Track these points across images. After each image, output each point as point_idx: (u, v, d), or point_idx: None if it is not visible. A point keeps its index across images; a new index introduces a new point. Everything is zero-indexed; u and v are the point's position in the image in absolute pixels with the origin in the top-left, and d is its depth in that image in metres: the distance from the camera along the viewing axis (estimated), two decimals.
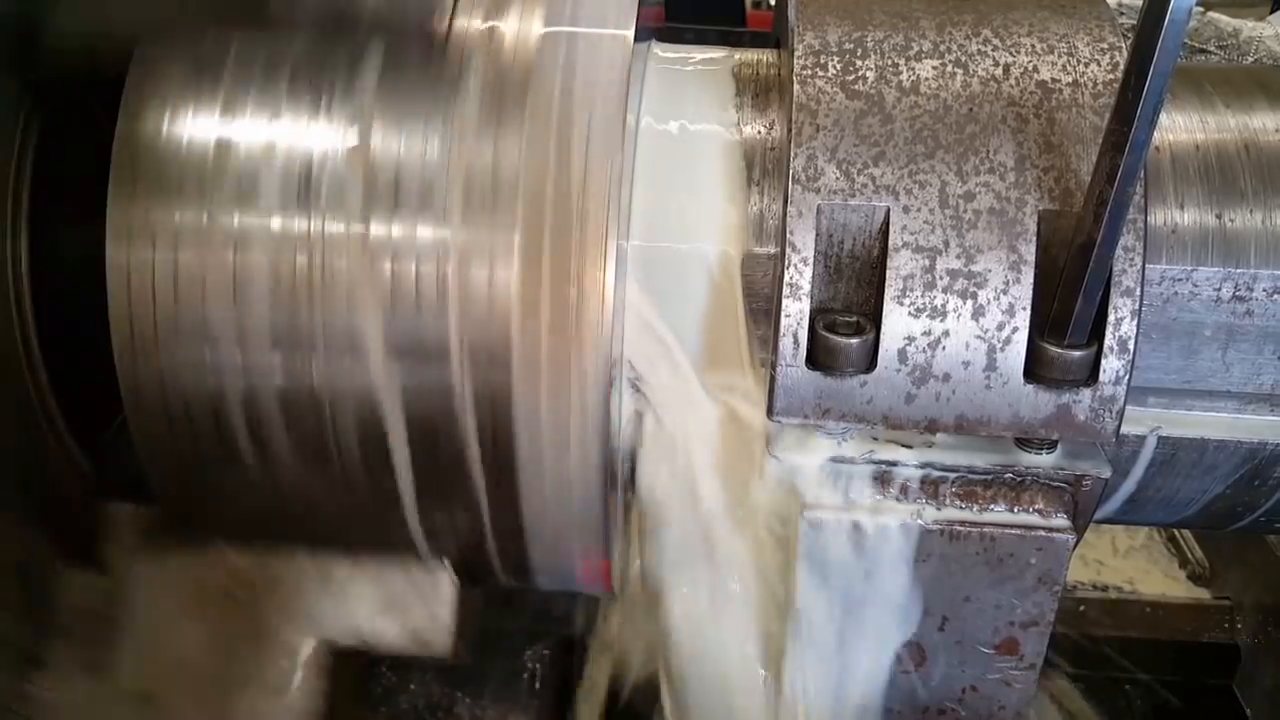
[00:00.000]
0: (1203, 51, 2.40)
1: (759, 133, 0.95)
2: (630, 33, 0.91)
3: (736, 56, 1.03)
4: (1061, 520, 0.87)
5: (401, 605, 1.01)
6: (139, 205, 0.89)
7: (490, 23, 0.92)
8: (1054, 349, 0.82)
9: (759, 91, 0.99)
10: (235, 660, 1.02)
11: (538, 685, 1.73)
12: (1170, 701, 1.77)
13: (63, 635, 1.04)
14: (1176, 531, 1.98)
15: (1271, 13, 2.68)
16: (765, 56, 1.04)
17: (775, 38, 1.08)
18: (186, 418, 0.92)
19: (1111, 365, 0.83)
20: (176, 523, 1.02)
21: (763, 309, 0.92)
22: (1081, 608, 1.79)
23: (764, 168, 0.94)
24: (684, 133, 0.95)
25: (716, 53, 1.04)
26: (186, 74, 0.91)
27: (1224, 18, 2.45)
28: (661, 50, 1.02)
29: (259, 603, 1.02)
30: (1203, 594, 1.90)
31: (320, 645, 1.01)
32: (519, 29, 0.92)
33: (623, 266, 0.90)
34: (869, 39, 0.89)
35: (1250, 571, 1.76)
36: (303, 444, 0.91)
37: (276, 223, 0.88)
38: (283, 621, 1.02)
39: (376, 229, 0.87)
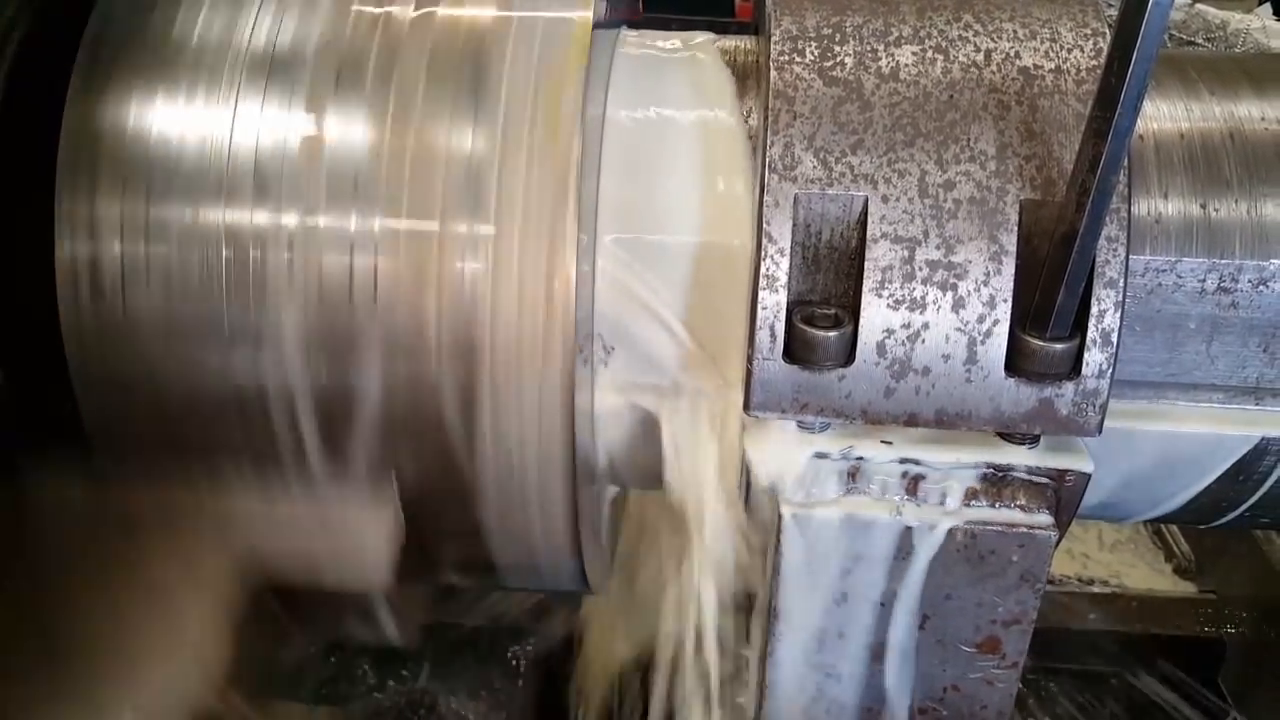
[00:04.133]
0: (1190, 43, 2.38)
1: (736, 120, 0.93)
2: (588, 14, 0.89)
3: (714, 43, 1.01)
4: (1044, 517, 0.86)
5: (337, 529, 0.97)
6: (87, 196, 0.86)
7: (444, 4, 0.90)
8: (1036, 342, 0.80)
9: (736, 78, 0.96)
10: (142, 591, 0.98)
11: (520, 682, 1.72)
12: (1156, 695, 1.76)
13: None
14: (1163, 525, 1.97)
15: (1259, 5, 2.67)
16: (744, 43, 1.01)
17: (755, 25, 1.05)
18: (148, 414, 0.89)
19: (1094, 358, 0.81)
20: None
21: (739, 301, 0.90)
22: (1067, 601, 1.79)
23: (740, 156, 0.92)
24: (657, 120, 0.92)
25: (692, 39, 1.01)
26: (139, 60, 0.89)
27: (1211, 9, 2.44)
28: (635, 37, 1.00)
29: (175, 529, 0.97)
30: (1189, 588, 1.90)
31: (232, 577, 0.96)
32: (473, 11, 0.89)
33: (590, 257, 0.88)
34: (848, 24, 0.87)
35: (1236, 565, 1.75)
36: (251, 441, 0.89)
37: (228, 214, 0.86)
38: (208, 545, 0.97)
39: (330, 220, 0.85)
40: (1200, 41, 2.40)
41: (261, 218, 0.86)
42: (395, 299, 0.85)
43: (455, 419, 0.88)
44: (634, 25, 1.04)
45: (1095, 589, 1.90)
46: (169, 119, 0.88)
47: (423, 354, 0.86)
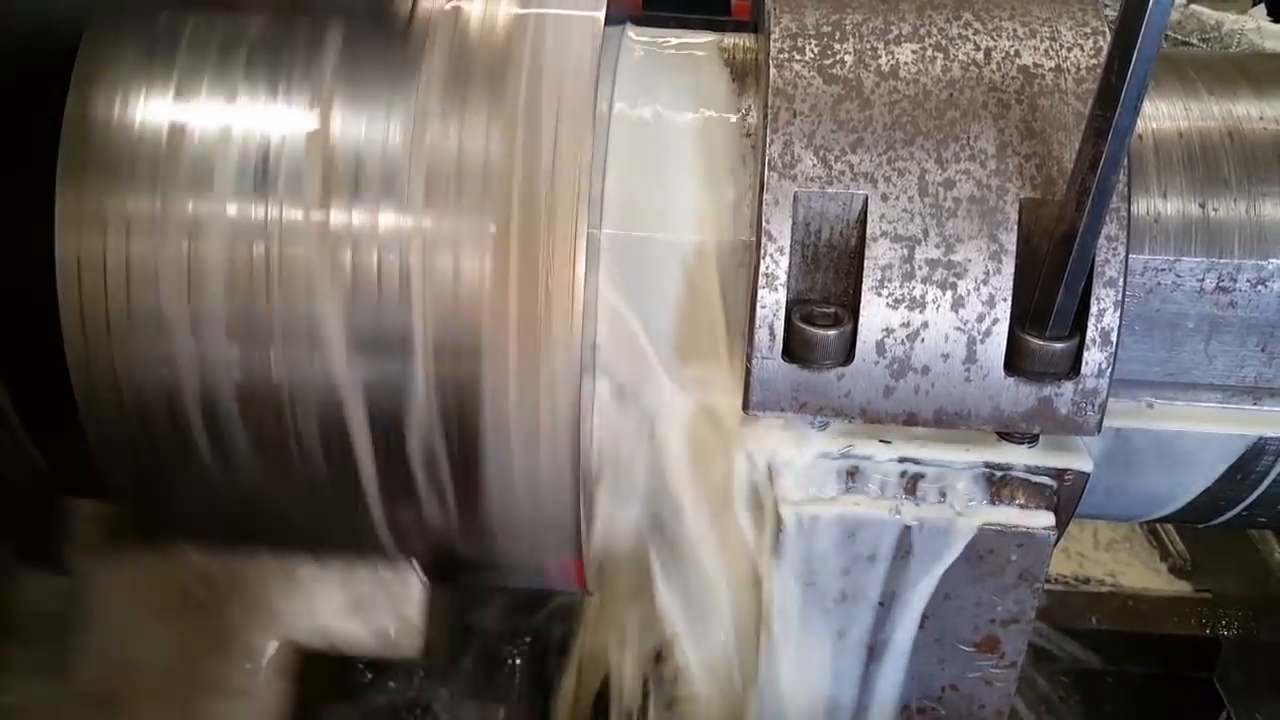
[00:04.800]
0: (1185, 44, 2.39)
1: (736, 119, 0.93)
2: (600, 14, 0.88)
3: (714, 41, 1.01)
4: (1043, 516, 0.86)
5: (369, 606, 0.98)
6: (90, 192, 0.86)
7: (455, 3, 0.89)
8: (1035, 341, 0.80)
9: (737, 76, 0.96)
10: (197, 663, 0.99)
11: (516, 682, 1.71)
12: (1152, 694, 1.77)
13: (19, 637, 1.01)
14: (1158, 525, 1.97)
15: (1254, 5, 2.67)
16: (743, 41, 1.01)
17: (754, 23, 1.05)
18: (141, 413, 0.89)
19: (1094, 358, 0.81)
20: (136, 520, 0.99)
21: (739, 300, 0.90)
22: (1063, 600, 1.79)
23: (741, 154, 0.91)
24: (659, 118, 0.92)
25: (694, 37, 1.01)
26: (139, 55, 0.88)
27: (1207, 10, 2.44)
28: (637, 34, 0.99)
29: (222, 603, 0.99)
30: (1184, 587, 1.90)
31: (284, 647, 0.98)
32: (485, 10, 0.89)
33: (594, 256, 0.87)
34: (847, 22, 0.87)
35: (1232, 564, 1.75)
36: (262, 440, 0.89)
37: (233, 210, 0.85)
38: (246, 623, 0.99)
39: (336, 216, 0.85)
40: (1195, 42, 2.41)
41: (270, 213, 0.85)
42: (393, 295, 0.85)
43: (454, 419, 0.88)
44: (635, 22, 1.03)
45: (1091, 588, 1.90)
46: (173, 113, 0.87)
47: (410, 352, 0.86)
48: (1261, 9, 2.58)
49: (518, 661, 1.71)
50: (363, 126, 0.85)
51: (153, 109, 0.87)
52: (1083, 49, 0.85)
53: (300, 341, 0.86)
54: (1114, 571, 1.97)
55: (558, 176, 0.84)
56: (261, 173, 0.85)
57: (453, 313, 0.85)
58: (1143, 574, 1.96)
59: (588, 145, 0.84)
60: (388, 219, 0.85)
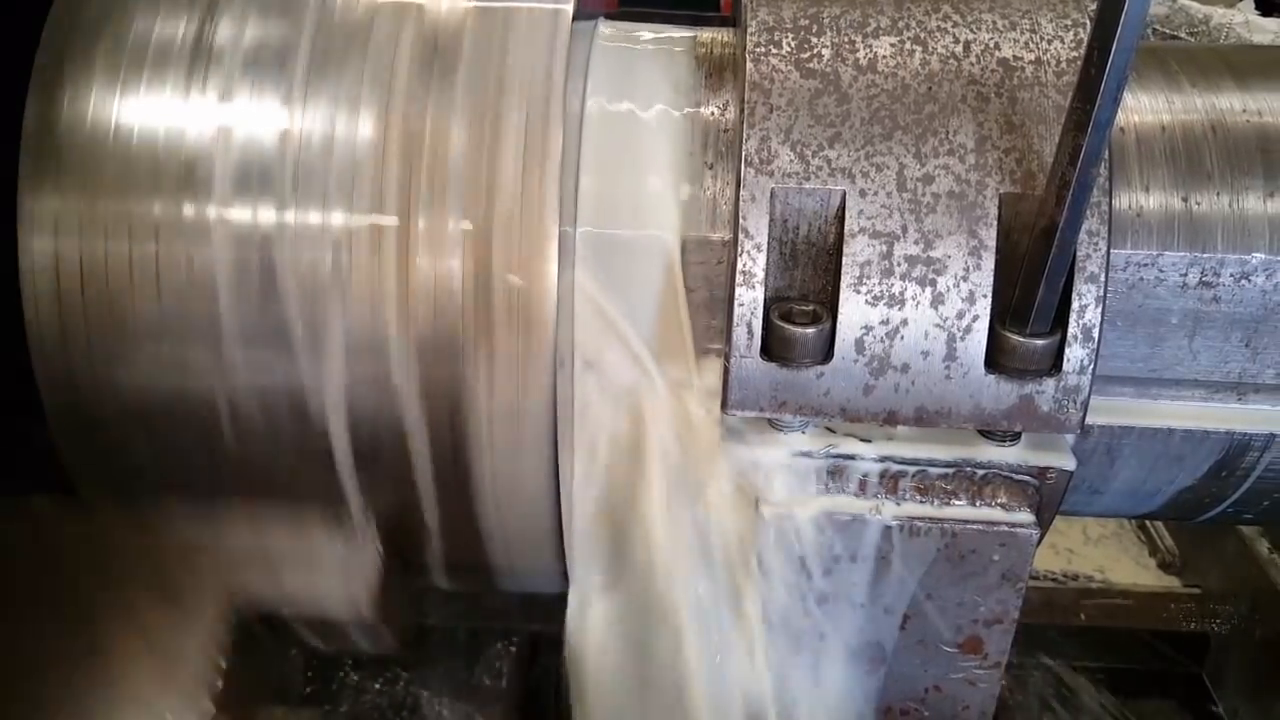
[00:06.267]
0: (1174, 38, 2.38)
1: (712, 114, 0.92)
2: (568, 7, 0.87)
3: (691, 35, 0.99)
4: (1025, 515, 0.85)
5: (326, 566, 0.96)
6: (54, 192, 0.84)
7: None
8: (1016, 338, 0.79)
9: (713, 71, 0.95)
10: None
11: (504, 683, 1.70)
12: (1140, 690, 1.76)
13: None
14: (1147, 520, 1.97)
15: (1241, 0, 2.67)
16: (721, 35, 1.00)
17: (734, 17, 1.04)
18: (116, 416, 0.87)
19: (1075, 354, 0.80)
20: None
21: (718, 297, 0.89)
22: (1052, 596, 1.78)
23: (717, 150, 0.90)
24: (633, 114, 0.90)
25: (670, 32, 1.00)
26: (103, 53, 0.86)
27: (1194, 4, 2.44)
28: (611, 30, 0.98)
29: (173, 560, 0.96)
30: (1173, 582, 1.90)
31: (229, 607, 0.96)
32: (450, 3, 0.87)
33: (568, 253, 0.86)
34: (825, 15, 0.86)
35: (1221, 560, 1.75)
36: (241, 441, 0.87)
37: (205, 211, 0.84)
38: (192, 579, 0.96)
39: (304, 216, 0.83)
40: (1183, 36, 2.40)
41: (237, 214, 0.83)
42: (365, 295, 0.83)
43: (443, 421, 0.86)
44: (613, 17, 1.02)
45: (1079, 584, 1.89)
46: (134, 113, 0.85)
47: (386, 354, 0.84)
48: (1249, 2, 2.57)
49: (506, 662, 1.70)
50: (332, 125, 0.84)
51: (116, 106, 0.85)
52: (1063, 41, 0.84)
53: (275, 344, 0.84)
54: (1103, 567, 1.96)
55: (527, 173, 0.83)
56: (233, 172, 0.84)
57: (428, 313, 0.83)
58: (1132, 570, 1.96)
59: (556, 141, 0.83)
60: (359, 219, 0.83)
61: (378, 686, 1.67)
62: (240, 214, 0.84)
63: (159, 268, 0.84)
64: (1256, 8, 2.49)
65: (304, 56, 0.86)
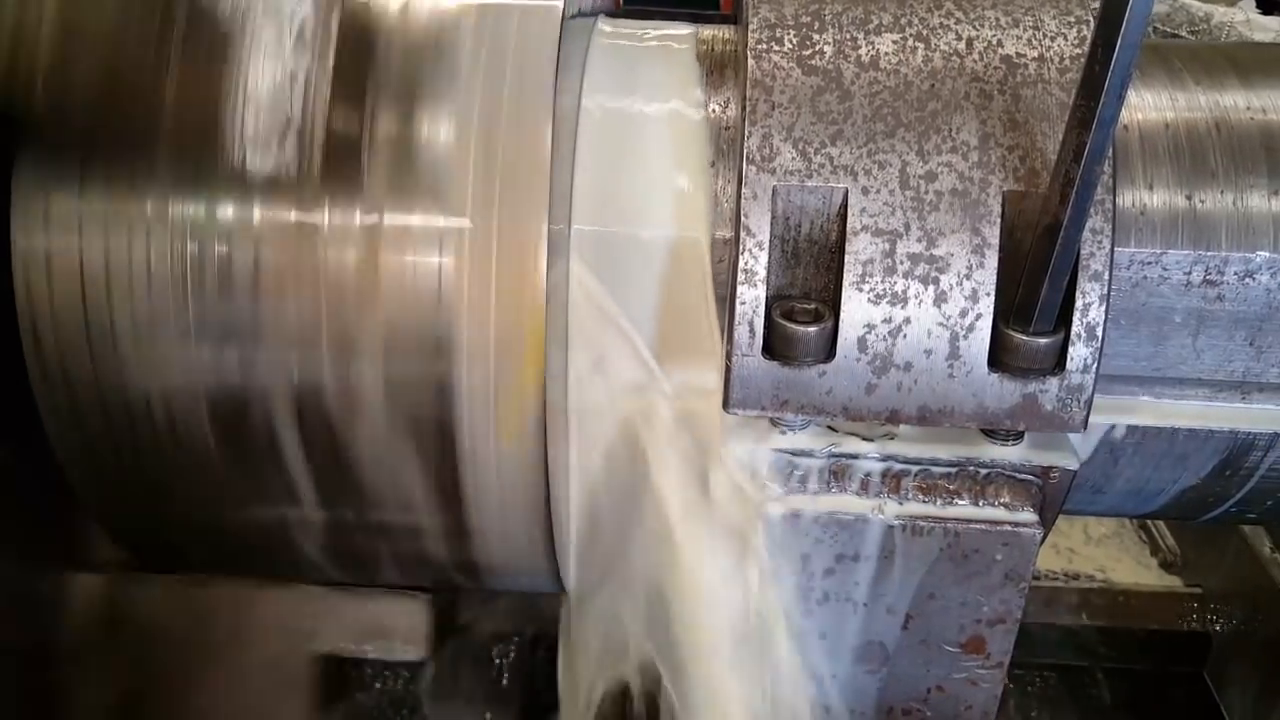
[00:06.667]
0: (1175, 37, 2.38)
1: (714, 111, 0.91)
2: (559, 3, 0.86)
3: (692, 33, 0.99)
4: (1028, 514, 0.84)
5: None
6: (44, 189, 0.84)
7: None
8: (1019, 336, 0.79)
9: (715, 68, 0.94)
10: None
11: (505, 682, 1.70)
12: (1142, 690, 1.76)
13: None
14: (1148, 520, 1.96)
15: None
16: (722, 33, 0.99)
17: (735, 14, 1.03)
18: (102, 415, 0.87)
19: (1079, 353, 0.79)
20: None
21: (719, 296, 0.88)
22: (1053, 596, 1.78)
23: (719, 148, 0.90)
24: (632, 112, 0.90)
25: (671, 29, 0.99)
26: None
27: (1195, 2, 2.43)
28: (610, 27, 0.97)
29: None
30: (1174, 582, 1.89)
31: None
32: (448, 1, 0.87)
33: (561, 251, 0.85)
34: (827, 11, 0.85)
35: (1223, 559, 1.74)
36: (224, 440, 0.87)
37: (196, 209, 0.83)
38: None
39: (299, 215, 0.83)
40: (1184, 35, 2.39)
41: (233, 212, 0.83)
42: (358, 294, 0.83)
43: (431, 420, 0.86)
44: (615, 16, 1.01)
45: (1081, 583, 1.89)
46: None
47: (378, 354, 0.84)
48: (1250, 1, 2.57)
49: (507, 661, 1.70)
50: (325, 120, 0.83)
51: None
52: (1066, 38, 0.84)
53: (259, 342, 0.84)
54: (1104, 567, 1.96)
55: (519, 170, 0.82)
56: (228, 169, 0.83)
57: (421, 310, 0.83)
58: (1133, 569, 1.95)
59: (545, 137, 0.83)
60: (349, 216, 0.83)
61: (377, 685, 1.67)
62: (236, 213, 0.83)
63: (155, 266, 0.83)
64: (1257, 6, 2.48)
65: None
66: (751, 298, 0.81)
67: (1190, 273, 0.86)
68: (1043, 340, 0.79)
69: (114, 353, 0.84)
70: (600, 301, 0.88)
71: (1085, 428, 0.81)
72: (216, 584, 0.99)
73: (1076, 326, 0.79)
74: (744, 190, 0.81)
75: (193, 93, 0.84)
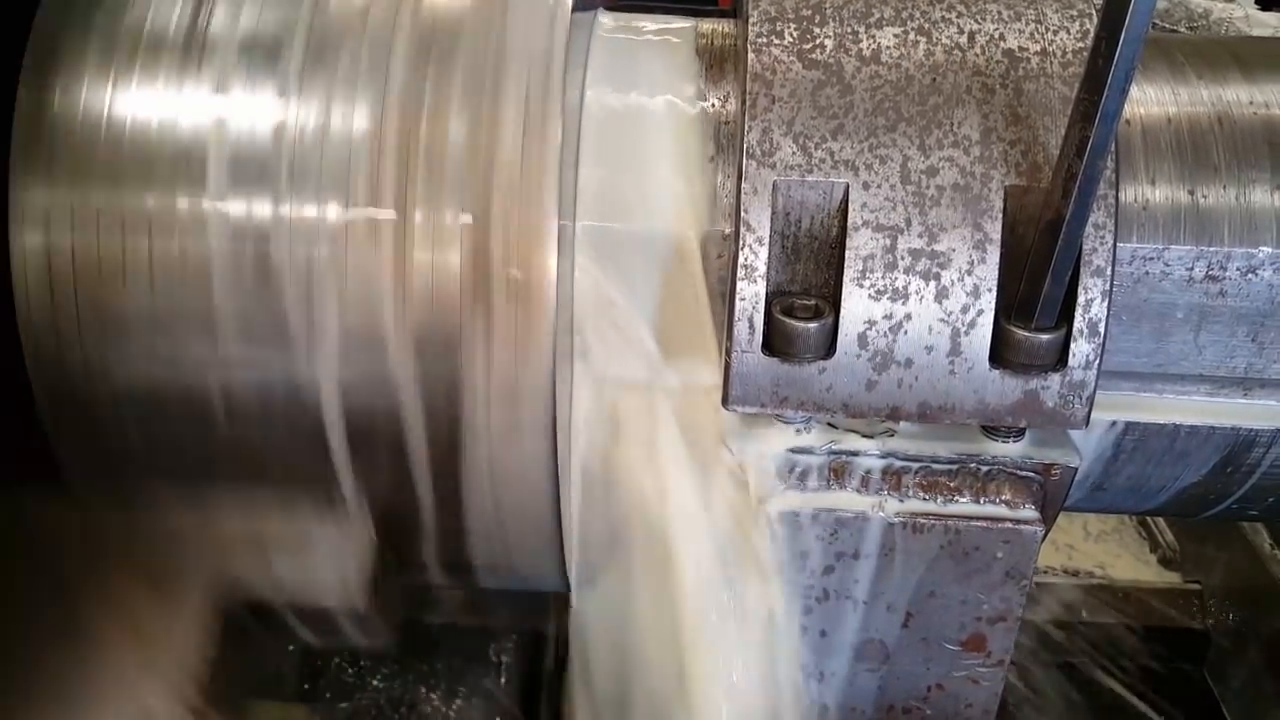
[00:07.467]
0: (1173, 32, 2.37)
1: (713, 106, 0.90)
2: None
3: (692, 27, 0.98)
4: (1029, 511, 0.84)
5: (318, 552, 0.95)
6: (45, 185, 0.83)
7: None
8: (1021, 332, 0.78)
9: (714, 62, 0.94)
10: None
11: (503, 680, 1.69)
12: (1141, 686, 1.76)
13: None
14: (1148, 516, 1.96)
15: None
16: (722, 26, 0.99)
17: (735, 7, 1.02)
18: (109, 408, 0.86)
19: (1081, 349, 0.79)
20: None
21: (719, 292, 0.88)
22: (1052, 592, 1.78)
23: (719, 143, 0.89)
24: (633, 106, 0.89)
25: (670, 23, 0.99)
26: (97, 43, 0.85)
27: None
28: (611, 21, 0.97)
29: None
30: (1174, 578, 1.89)
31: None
32: None
33: (567, 246, 0.85)
34: (827, 5, 0.85)
35: (1222, 556, 1.74)
36: (237, 440, 0.86)
37: (201, 204, 0.82)
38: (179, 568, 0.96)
39: (300, 209, 0.82)
40: (1183, 30, 2.39)
41: (235, 208, 0.82)
42: (363, 288, 0.82)
43: (440, 414, 0.85)
44: (612, 9, 1.01)
45: (1080, 580, 1.89)
46: (127, 104, 0.84)
47: (384, 348, 0.83)
48: None
49: (505, 660, 1.69)
50: (328, 118, 0.83)
51: (109, 98, 0.84)
52: (1069, 32, 0.83)
53: (272, 338, 0.83)
54: (1104, 563, 1.96)
55: (525, 166, 0.82)
56: (228, 166, 0.82)
57: (426, 307, 0.82)
58: (1132, 565, 1.95)
59: (555, 133, 0.82)
60: (354, 212, 0.82)
61: (376, 684, 1.67)
62: (235, 207, 0.82)
63: (152, 261, 0.82)
64: (1256, 2, 2.48)
65: (299, 46, 0.85)
66: (751, 294, 0.80)
67: (1193, 268, 0.86)
68: (1044, 336, 0.78)
69: (112, 346, 0.84)
70: (605, 297, 0.87)
71: (1087, 424, 0.81)
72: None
73: (1078, 322, 0.78)
74: (744, 185, 0.80)
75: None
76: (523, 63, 0.84)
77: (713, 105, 0.90)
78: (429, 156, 0.82)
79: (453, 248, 0.82)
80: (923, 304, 0.79)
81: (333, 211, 0.82)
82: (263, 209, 0.83)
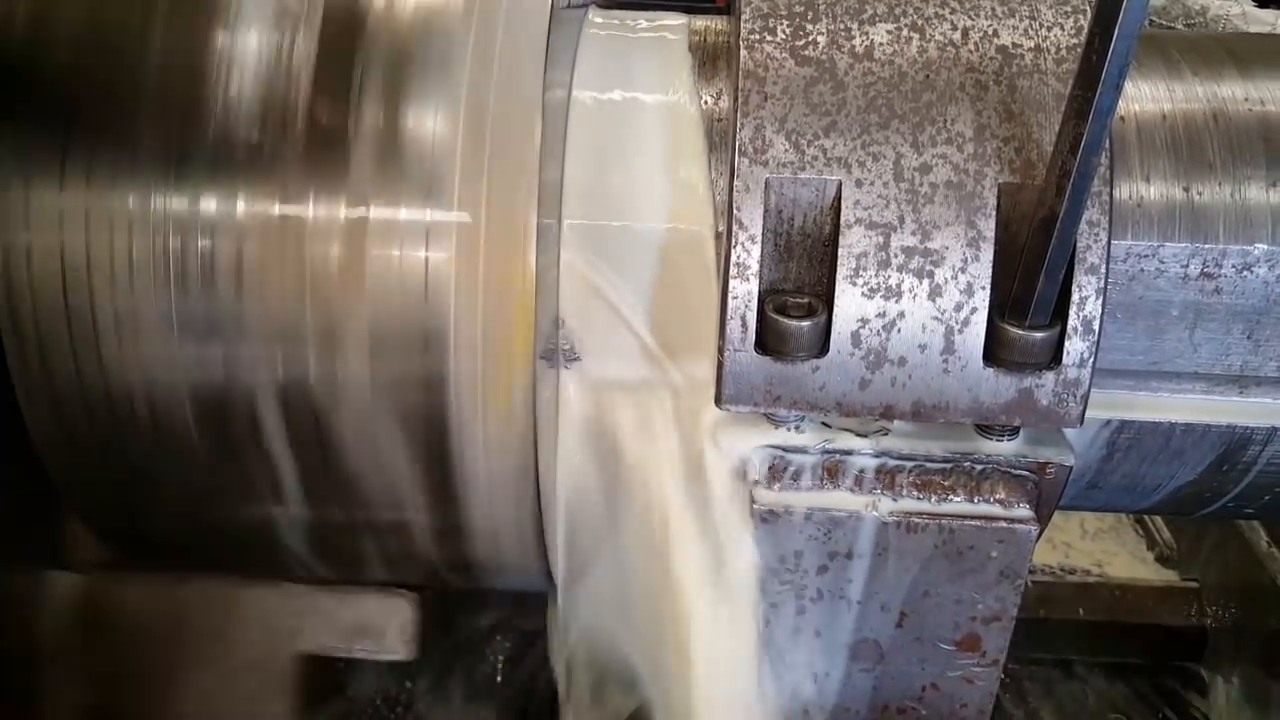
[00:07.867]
0: (1170, 29, 2.37)
1: (706, 103, 0.90)
2: None
3: (684, 24, 0.98)
4: (1024, 510, 0.83)
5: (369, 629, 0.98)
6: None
7: None
8: (1015, 330, 0.78)
9: (707, 59, 0.93)
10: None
11: (498, 679, 1.69)
12: (1138, 684, 1.76)
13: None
14: (1144, 514, 1.96)
15: None
16: (715, 23, 0.98)
17: (727, 4, 1.02)
18: (88, 410, 0.85)
19: (1075, 347, 0.78)
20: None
21: (711, 290, 0.87)
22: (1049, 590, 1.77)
23: (711, 140, 0.89)
24: (623, 103, 0.89)
25: (663, 20, 0.98)
26: None
27: None
28: (601, 18, 0.96)
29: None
30: (1171, 576, 1.89)
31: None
32: None
33: (551, 244, 0.84)
34: (820, 1, 0.84)
35: (1219, 553, 1.74)
36: (215, 439, 0.85)
37: (185, 204, 0.82)
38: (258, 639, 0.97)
39: (287, 208, 0.81)
40: (1180, 27, 2.38)
41: (215, 206, 0.82)
42: (340, 287, 0.82)
43: (422, 414, 0.85)
44: (607, 7, 1.00)
45: (1077, 578, 1.89)
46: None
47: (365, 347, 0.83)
48: None
49: (498, 660, 1.69)
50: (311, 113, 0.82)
51: None
52: (1063, 28, 0.83)
53: (247, 337, 0.82)
54: (1100, 561, 1.96)
55: (509, 163, 0.81)
56: (214, 165, 0.82)
57: (411, 305, 0.82)
58: (1129, 563, 1.95)
59: (535, 130, 0.81)
60: (337, 209, 0.81)
61: (369, 681, 1.66)
62: (218, 207, 0.82)
63: (133, 260, 0.82)
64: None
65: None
66: (743, 292, 0.79)
67: (1188, 265, 0.85)
68: (1039, 334, 0.78)
69: (96, 346, 0.83)
70: (593, 294, 0.87)
71: (1082, 423, 0.80)
72: (198, 582, 0.98)
73: (1073, 320, 0.78)
74: (736, 183, 0.79)
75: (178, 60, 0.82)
76: (504, 61, 0.83)
77: (705, 102, 0.90)
78: (408, 154, 0.82)
79: (432, 244, 0.81)
80: (916, 302, 0.78)
81: (315, 209, 0.82)
82: (245, 207, 0.82)
